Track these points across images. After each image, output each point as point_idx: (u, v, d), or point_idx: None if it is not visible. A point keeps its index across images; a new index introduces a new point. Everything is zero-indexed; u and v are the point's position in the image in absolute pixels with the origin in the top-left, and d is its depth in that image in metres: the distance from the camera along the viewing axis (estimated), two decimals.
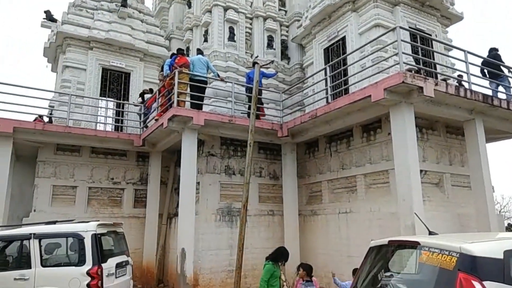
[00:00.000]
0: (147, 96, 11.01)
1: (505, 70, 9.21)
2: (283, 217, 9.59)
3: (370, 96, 6.78)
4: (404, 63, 6.79)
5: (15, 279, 5.37)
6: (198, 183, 8.78)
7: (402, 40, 6.97)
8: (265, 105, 10.58)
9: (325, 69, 9.22)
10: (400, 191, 6.52)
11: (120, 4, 12.37)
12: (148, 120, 10.51)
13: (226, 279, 8.69)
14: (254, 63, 10.28)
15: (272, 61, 10.51)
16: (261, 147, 10.13)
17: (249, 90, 9.81)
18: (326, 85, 8.86)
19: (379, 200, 7.67)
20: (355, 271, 4.17)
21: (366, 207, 7.88)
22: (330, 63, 9.34)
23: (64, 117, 9.82)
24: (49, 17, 12.96)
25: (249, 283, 8.80)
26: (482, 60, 8.94)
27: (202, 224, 8.74)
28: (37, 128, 9.12)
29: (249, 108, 9.62)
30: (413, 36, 9.05)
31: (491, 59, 9.00)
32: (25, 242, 5.63)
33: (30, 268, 5.44)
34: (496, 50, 9.73)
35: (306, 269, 5.78)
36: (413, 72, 7.23)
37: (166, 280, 10.06)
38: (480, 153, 7.37)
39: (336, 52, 10.26)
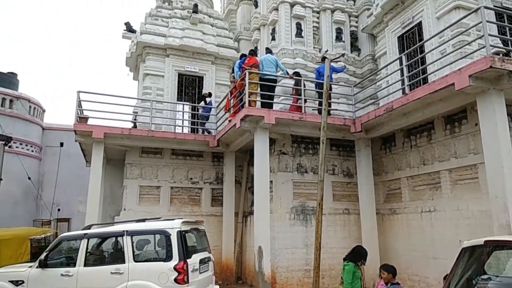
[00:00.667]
0: (208, 99, 11.48)
1: None
2: (359, 216, 9.32)
3: (453, 84, 6.29)
4: (491, 46, 6.18)
5: (111, 273, 5.90)
6: (271, 181, 8.89)
7: (487, 21, 6.32)
8: (336, 100, 10.35)
9: (400, 58, 8.71)
10: (492, 187, 5.95)
11: (192, 11, 12.96)
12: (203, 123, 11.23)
13: (303, 278, 8.69)
14: (324, 58, 10.09)
15: (343, 54, 10.20)
16: (333, 144, 9.93)
17: (319, 86, 9.67)
18: (402, 75, 8.37)
19: (467, 197, 7.06)
20: (445, 278, 3.89)
21: (452, 205, 7.30)
22: (406, 51, 8.78)
23: (147, 121, 10.60)
24: (129, 28, 14.06)
25: (326, 283, 8.71)
26: None
27: (277, 222, 8.84)
28: (124, 133, 9.97)
29: (319, 104, 9.48)
30: (499, 16, 8.14)
31: None
32: (119, 238, 6.18)
33: (124, 263, 5.92)
34: None
35: (391, 271, 5.42)
36: (501, 55, 6.55)
37: (245, 277, 10.37)
38: None
39: (411, 40, 9.63)
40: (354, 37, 12.07)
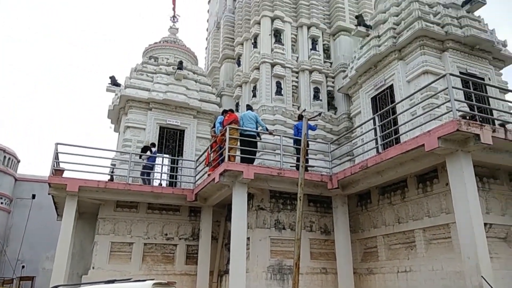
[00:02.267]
0: (153, 149, 11.39)
1: None
2: (336, 275, 9.10)
3: (423, 145, 6.54)
4: (457, 110, 6.52)
5: None
6: (248, 238, 8.73)
7: (453, 87, 6.75)
8: (313, 156, 10.53)
9: (373, 118, 9.08)
10: (463, 247, 5.99)
11: (176, 67, 13.40)
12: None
13: None
14: (301, 116, 10.44)
15: (320, 113, 10.57)
16: (311, 200, 9.94)
17: (296, 142, 9.87)
18: (376, 134, 8.68)
19: (442, 257, 7.05)
20: None
21: (427, 266, 7.26)
22: (379, 112, 9.20)
23: (124, 174, 10.46)
24: (113, 82, 14.32)
25: None
26: None
27: (253, 282, 8.53)
28: (100, 187, 9.77)
29: (298, 160, 9.64)
30: (465, 81, 8.71)
31: None
32: None
33: None
34: None
35: None
36: (468, 118, 6.90)
37: None
38: None
39: (384, 101, 10.12)
40: (330, 96, 12.60)
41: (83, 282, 8.63)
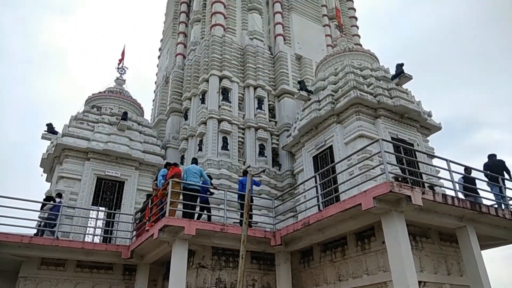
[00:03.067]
0: (57, 200, 10.56)
1: (506, 176, 9.19)
2: None
3: (360, 204, 6.85)
4: (390, 172, 7.03)
5: None
6: None
7: (385, 151, 7.32)
8: (257, 212, 10.57)
9: (315, 177, 9.46)
10: None
11: (121, 118, 13.13)
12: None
13: None
14: (246, 171, 10.59)
15: (264, 170, 10.84)
16: (254, 257, 9.79)
17: (241, 197, 9.88)
18: (317, 192, 8.99)
19: None
20: None
21: None
22: (320, 171, 9.65)
23: (53, 229, 9.60)
24: (50, 129, 13.59)
25: None
26: (484, 163, 9.31)
27: None
28: (23, 242, 8.85)
29: (242, 215, 9.58)
30: (396, 146, 9.53)
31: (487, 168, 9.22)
32: None
33: None
34: (495, 156, 9.73)
35: None
36: (400, 180, 7.46)
37: None
38: (477, 261, 7.19)
39: (324, 160, 10.67)
40: (275, 153, 13.04)
41: None
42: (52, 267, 9.62)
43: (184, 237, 8.26)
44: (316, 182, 9.34)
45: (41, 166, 13.24)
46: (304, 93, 12.02)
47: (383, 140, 7.53)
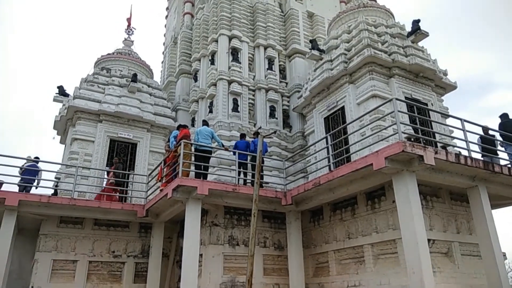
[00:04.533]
0: (118, 165, 11.15)
1: None
2: None
3: (371, 164, 6.86)
4: (402, 132, 6.96)
5: None
6: (201, 255, 8.56)
7: (399, 111, 7.21)
8: (268, 173, 10.68)
9: (326, 138, 9.43)
10: (409, 262, 6.31)
11: (130, 80, 13.07)
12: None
13: None
14: (257, 133, 10.60)
15: (275, 131, 10.81)
16: (265, 216, 10.01)
17: (252, 158, 9.94)
18: (328, 153, 9.00)
19: (389, 272, 7.38)
20: None
21: (375, 280, 7.56)
22: (331, 132, 9.59)
23: (69, 189, 9.90)
24: (61, 92, 13.65)
25: None
26: (499, 123, 9.14)
27: None
28: (42, 201, 9.15)
29: (253, 176, 9.72)
30: (410, 106, 9.37)
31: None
32: None
33: None
34: (507, 115, 9.54)
35: None
36: (412, 140, 7.40)
37: None
38: (487, 220, 7.24)
39: (336, 121, 10.58)
40: (286, 114, 12.95)
41: None
42: (71, 225, 10.00)
43: (197, 197, 8.45)
44: (327, 143, 9.33)
45: (54, 128, 13.43)
46: (316, 52, 11.72)
47: (396, 99, 7.38)
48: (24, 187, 9.94)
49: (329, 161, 8.85)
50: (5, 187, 10.03)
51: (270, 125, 12.20)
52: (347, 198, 8.73)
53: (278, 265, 9.65)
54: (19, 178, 10.10)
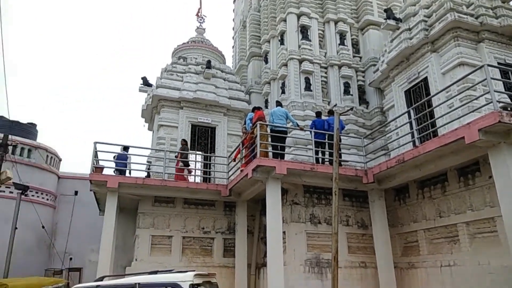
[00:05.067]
0: (185, 147, 11.57)
1: None
2: (376, 270, 9.08)
3: (463, 138, 6.46)
4: (498, 101, 6.42)
5: None
6: (284, 232, 8.83)
7: (492, 78, 6.63)
8: (346, 151, 10.55)
9: (408, 112, 9.01)
10: (511, 241, 5.91)
11: (205, 67, 13.63)
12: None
13: None
14: (331, 111, 10.48)
15: (352, 108, 10.56)
16: (345, 194, 9.97)
17: (327, 137, 9.85)
18: (411, 128, 8.61)
19: (488, 252, 6.95)
20: None
21: (472, 260, 7.18)
22: (413, 105, 9.12)
23: (160, 171, 10.78)
24: (145, 82, 14.73)
25: None
26: None
27: (291, 275, 8.65)
28: (138, 183, 10.10)
29: (328, 155, 9.70)
30: (503, 72, 8.54)
31: None
32: None
33: None
34: None
35: None
36: (510, 109, 6.78)
37: None
38: None
39: (418, 94, 10.02)
40: (361, 90, 12.55)
41: (127, 273, 8.96)
42: (164, 204, 10.92)
43: (276, 176, 8.67)
44: (409, 118, 8.91)
45: (142, 116, 14.58)
46: (391, 22, 11.07)
47: (488, 66, 6.77)
48: (120, 172, 11.06)
49: (413, 136, 8.48)
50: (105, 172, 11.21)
51: (345, 102, 11.95)
52: (436, 175, 8.31)
53: (363, 243, 9.61)
54: (115, 166, 11.24)
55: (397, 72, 10.73)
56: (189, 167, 11.59)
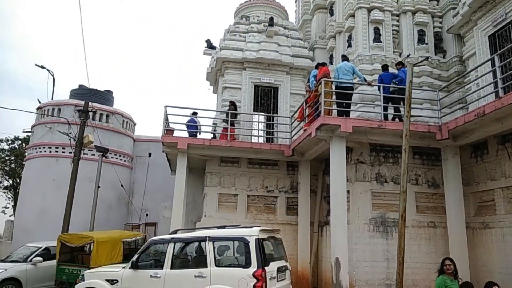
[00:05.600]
0: (230, 107, 11.51)
1: None
2: (446, 229, 8.62)
3: None
4: None
5: (195, 276, 6.22)
6: (348, 191, 8.66)
7: None
8: (418, 106, 9.79)
9: (492, 59, 7.96)
10: None
11: (267, 24, 13.30)
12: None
13: None
14: (400, 63, 9.69)
15: (427, 58, 9.63)
16: (415, 152, 9.39)
17: (396, 92, 9.20)
18: (495, 77, 7.63)
19: None
20: None
21: None
22: (498, 52, 8.01)
23: (225, 132, 11.08)
24: (209, 45, 14.91)
25: None
26: None
27: (355, 234, 8.57)
28: (205, 144, 10.53)
29: (396, 110, 9.08)
30: None
31: None
32: (202, 244, 6.51)
33: (206, 267, 6.20)
34: None
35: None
36: None
37: None
38: None
39: (504, 38, 8.79)
40: (438, 38, 11.35)
41: (198, 227, 9.62)
42: (229, 164, 11.31)
43: (341, 135, 8.41)
44: (493, 66, 7.88)
45: (207, 79, 14.91)
46: None
47: None
48: (191, 136, 11.59)
49: (496, 87, 7.53)
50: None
51: (419, 52, 10.92)
52: None
53: (433, 203, 9.10)
54: (187, 130, 11.78)
55: (480, 14, 9.43)
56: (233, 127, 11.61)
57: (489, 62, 8.28)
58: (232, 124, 11.44)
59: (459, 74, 10.17)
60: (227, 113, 11.39)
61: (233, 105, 11.70)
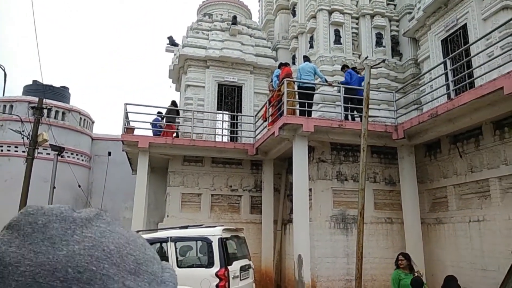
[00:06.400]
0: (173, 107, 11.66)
1: None
2: (402, 225, 9.02)
3: (501, 88, 6.00)
4: None
5: None
6: (310, 189, 8.85)
7: None
8: (376, 107, 10.16)
9: (444, 62, 8.42)
10: None
11: (231, 23, 13.26)
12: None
13: None
14: (345, 66, 10.02)
15: (384, 60, 9.99)
16: (374, 151, 9.73)
17: (348, 92, 9.49)
18: (447, 79, 8.08)
19: None
20: None
21: (503, 215, 6.91)
22: (450, 55, 8.49)
23: (188, 131, 10.95)
24: (171, 42, 14.62)
25: None
26: None
27: (317, 231, 8.77)
28: (167, 143, 10.35)
29: (355, 110, 9.37)
30: None
31: None
32: (163, 244, 6.42)
33: None
34: None
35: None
36: None
37: (284, 285, 10.33)
38: None
39: (456, 43, 9.30)
40: (395, 41, 11.83)
41: (160, 228, 9.45)
42: (193, 163, 11.20)
43: (303, 134, 8.57)
44: (445, 69, 8.34)
45: (169, 77, 14.64)
46: None
47: None
48: (154, 134, 11.37)
49: (448, 89, 7.97)
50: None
51: (377, 55, 11.33)
52: (470, 129, 7.87)
53: (390, 200, 9.49)
54: (152, 131, 11.56)
55: (434, 19, 9.94)
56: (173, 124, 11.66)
57: (442, 65, 8.74)
58: (174, 122, 11.37)
59: (414, 76, 10.66)
60: (167, 111, 11.34)
61: (173, 104, 11.66)
